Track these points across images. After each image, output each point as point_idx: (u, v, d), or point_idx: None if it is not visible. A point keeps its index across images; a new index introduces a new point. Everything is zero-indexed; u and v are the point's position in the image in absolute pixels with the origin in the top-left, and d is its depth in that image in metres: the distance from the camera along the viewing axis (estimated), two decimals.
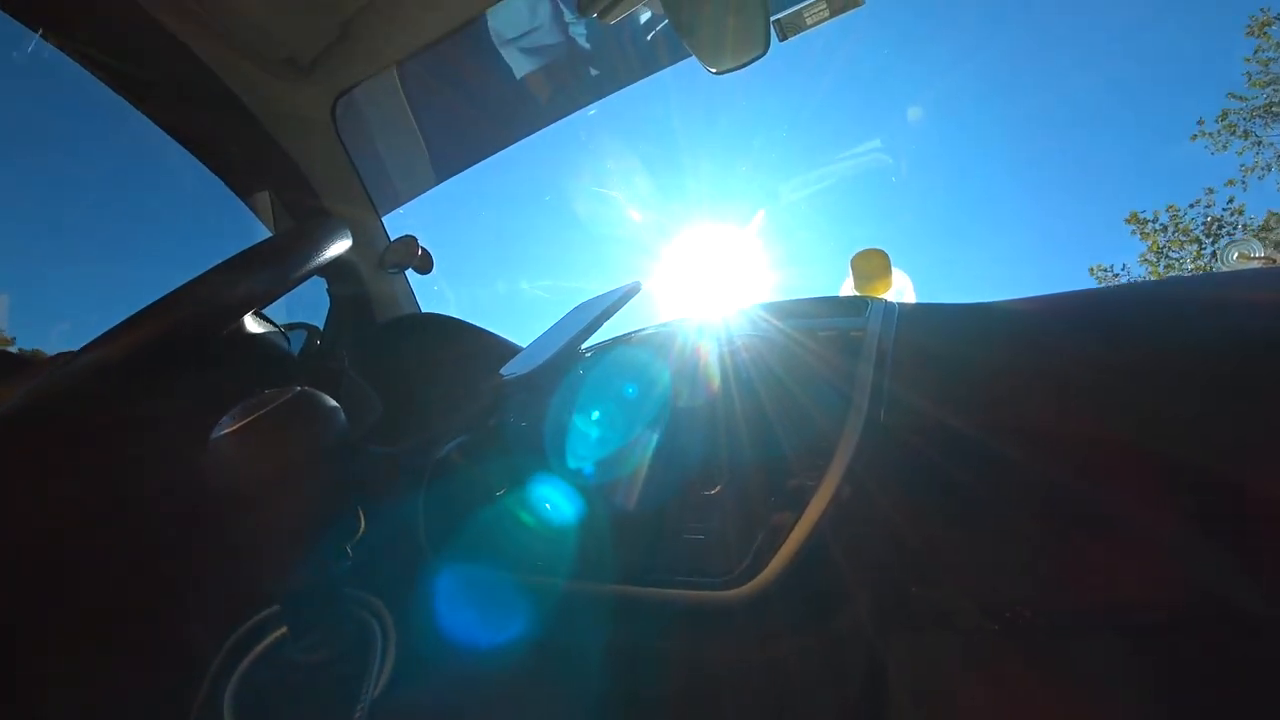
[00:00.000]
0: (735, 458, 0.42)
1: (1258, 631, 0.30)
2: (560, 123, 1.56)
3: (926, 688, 0.35)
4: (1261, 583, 0.29)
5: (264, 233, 1.35)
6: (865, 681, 0.35)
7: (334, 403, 0.51)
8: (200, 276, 0.63)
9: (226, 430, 0.43)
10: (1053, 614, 0.34)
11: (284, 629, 0.42)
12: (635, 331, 0.67)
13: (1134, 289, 0.46)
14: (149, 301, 0.67)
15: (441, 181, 1.57)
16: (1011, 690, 0.33)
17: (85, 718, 0.40)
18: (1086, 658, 0.32)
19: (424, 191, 1.55)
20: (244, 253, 0.66)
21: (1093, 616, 0.33)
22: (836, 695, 0.35)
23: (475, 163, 1.59)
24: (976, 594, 0.36)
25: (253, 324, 0.78)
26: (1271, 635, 0.29)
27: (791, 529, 0.36)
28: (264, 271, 0.66)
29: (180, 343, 0.58)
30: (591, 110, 1.61)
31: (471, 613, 0.48)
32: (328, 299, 1.35)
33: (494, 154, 1.57)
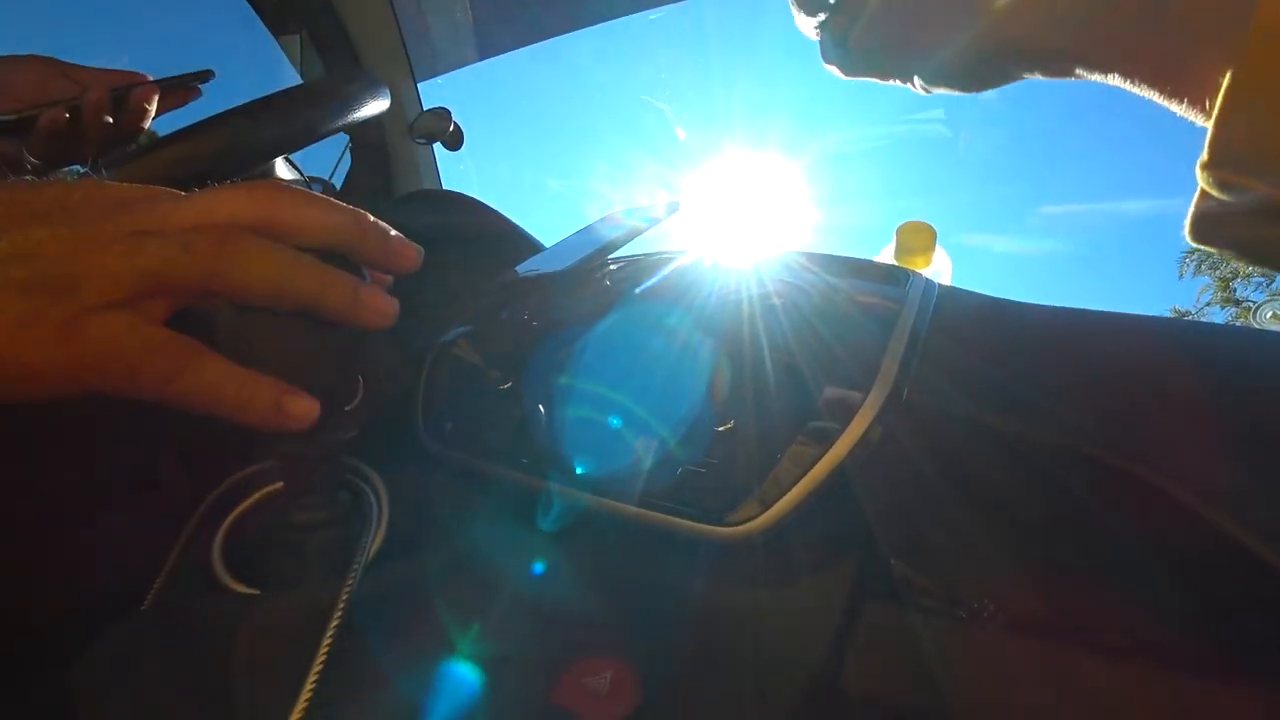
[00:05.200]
0: (751, 398, 0.42)
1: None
2: (619, 22, 1.47)
3: (891, 658, 0.36)
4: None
5: (290, 74, 1.29)
6: (834, 641, 0.36)
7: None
8: (231, 111, 0.60)
9: None
10: (1026, 614, 0.34)
11: (277, 484, 0.42)
12: (666, 252, 0.64)
13: (1193, 324, 0.44)
14: (176, 127, 0.64)
15: (485, 58, 1.49)
16: (985, 674, 0.34)
17: (62, 566, 0.40)
18: (1076, 660, 0.33)
19: (465, 65, 1.47)
20: (279, 94, 0.62)
21: (1072, 628, 0.33)
22: (807, 649, 0.36)
23: (523, 45, 1.51)
24: (957, 580, 0.36)
25: (284, 170, 0.75)
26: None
27: (796, 482, 0.36)
28: (296, 116, 0.63)
29: (207, 176, 0.56)
30: (653, 15, 1.50)
31: (459, 501, 0.49)
32: (349, 157, 1.30)
33: (544, 40, 1.49)
